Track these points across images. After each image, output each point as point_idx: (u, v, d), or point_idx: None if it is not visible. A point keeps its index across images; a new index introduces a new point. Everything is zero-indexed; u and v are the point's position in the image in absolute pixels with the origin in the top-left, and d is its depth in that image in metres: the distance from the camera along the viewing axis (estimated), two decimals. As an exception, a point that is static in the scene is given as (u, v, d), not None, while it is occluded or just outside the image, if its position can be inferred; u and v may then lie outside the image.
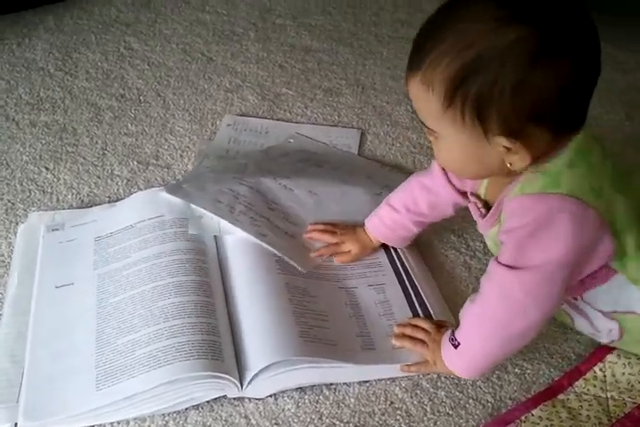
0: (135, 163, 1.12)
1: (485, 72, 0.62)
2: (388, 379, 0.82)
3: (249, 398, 0.79)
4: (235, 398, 0.79)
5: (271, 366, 0.77)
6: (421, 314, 0.87)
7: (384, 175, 1.12)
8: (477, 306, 0.74)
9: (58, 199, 1.04)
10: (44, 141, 1.16)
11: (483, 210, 0.81)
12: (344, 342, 0.82)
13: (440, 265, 0.96)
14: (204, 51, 1.42)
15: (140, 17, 1.52)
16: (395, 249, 0.95)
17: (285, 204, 1.01)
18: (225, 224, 0.95)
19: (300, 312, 0.84)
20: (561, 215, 0.67)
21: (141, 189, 1.06)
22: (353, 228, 0.95)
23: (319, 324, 0.83)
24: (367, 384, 0.82)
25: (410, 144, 1.19)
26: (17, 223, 1.00)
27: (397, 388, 0.81)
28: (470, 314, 0.75)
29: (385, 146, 1.19)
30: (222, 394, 0.78)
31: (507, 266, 0.70)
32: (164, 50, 1.42)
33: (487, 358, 0.76)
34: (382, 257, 0.94)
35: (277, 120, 1.24)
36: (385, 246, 0.96)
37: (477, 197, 0.82)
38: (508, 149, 0.67)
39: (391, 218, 0.92)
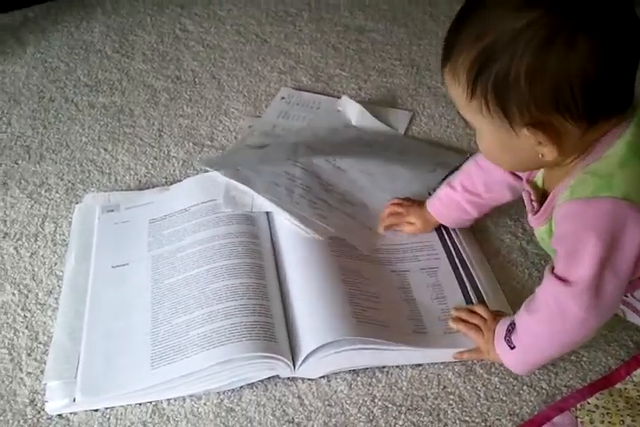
0: (191, 144, 1.13)
1: (500, 59, 0.60)
2: (442, 363, 0.81)
3: (302, 379, 0.80)
4: (288, 379, 0.79)
5: (324, 346, 0.78)
6: (474, 299, 0.86)
7: (436, 153, 1.11)
8: (534, 317, 0.72)
9: (116, 180, 1.06)
10: (102, 123, 1.18)
11: (535, 204, 0.77)
12: (396, 324, 0.82)
13: (496, 250, 0.95)
14: (258, 32, 1.42)
15: (195, -2, 1.53)
16: (449, 234, 0.94)
17: (341, 185, 1.01)
18: (258, 199, 0.95)
19: (353, 293, 0.84)
20: (614, 221, 0.64)
21: (197, 171, 1.07)
22: (420, 203, 0.95)
23: (372, 305, 0.83)
24: (420, 368, 0.81)
25: (465, 126, 1.17)
26: (77, 203, 1.02)
27: (450, 373, 0.81)
28: (528, 323, 0.74)
29: (440, 128, 1.17)
30: (275, 374, 0.79)
31: (560, 279, 0.68)
32: (219, 31, 1.42)
33: (542, 361, 0.77)
34: (435, 241, 0.94)
35: (331, 97, 1.24)
36: (440, 231, 0.95)
37: (533, 185, 0.78)
38: (538, 142, 0.64)
39: (448, 196, 0.91)
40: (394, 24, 1.44)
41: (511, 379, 0.80)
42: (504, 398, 0.78)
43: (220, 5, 1.50)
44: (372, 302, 0.84)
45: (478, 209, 0.91)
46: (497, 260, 0.93)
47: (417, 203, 0.95)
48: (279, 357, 0.77)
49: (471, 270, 0.89)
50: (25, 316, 0.87)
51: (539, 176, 0.78)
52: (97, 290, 0.88)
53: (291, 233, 0.92)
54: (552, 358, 0.77)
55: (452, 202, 0.91)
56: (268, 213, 0.96)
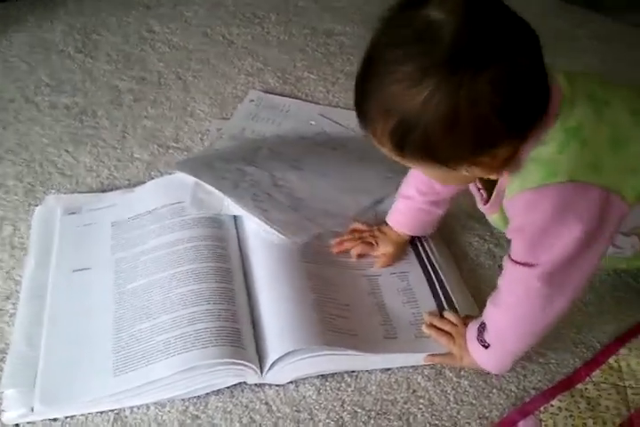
0: (155, 146, 1.11)
1: (416, 129, 0.61)
2: (411, 367, 0.80)
3: (269, 385, 0.78)
4: (255, 385, 0.78)
5: (291, 353, 0.76)
6: (445, 302, 0.85)
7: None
8: (503, 308, 0.74)
9: (77, 182, 1.03)
10: (63, 124, 1.15)
11: (484, 192, 0.78)
12: (366, 331, 0.81)
13: (464, 253, 0.95)
14: (225, 33, 1.40)
15: (161, -1, 1.51)
16: (419, 238, 0.93)
17: (293, 182, 1.00)
18: (228, 203, 0.93)
19: (322, 301, 0.83)
20: (565, 205, 0.66)
21: (161, 173, 1.05)
22: (379, 229, 0.93)
23: (341, 313, 0.82)
24: (389, 372, 0.80)
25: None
26: (36, 205, 0.99)
27: (420, 376, 0.80)
28: (497, 316, 0.75)
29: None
30: (242, 380, 0.77)
31: (523, 264, 0.70)
32: (185, 32, 1.40)
33: (519, 352, 0.77)
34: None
35: (302, 100, 1.23)
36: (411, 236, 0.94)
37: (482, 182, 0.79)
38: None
39: (408, 207, 0.90)
40: (362, 28, 1.43)
41: (480, 382, 0.79)
42: (474, 402, 0.78)
43: (187, 6, 1.48)
44: (341, 310, 0.83)
45: (441, 206, 0.90)
46: (466, 263, 0.93)
47: (376, 230, 0.93)
48: (246, 363, 0.75)
49: (441, 275, 0.89)
50: (-20, 322, 0.84)
51: None
52: (57, 295, 0.85)
53: (259, 238, 0.90)
54: (528, 347, 0.76)
55: (415, 210, 0.90)
56: (235, 216, 0.94)
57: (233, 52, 1.35)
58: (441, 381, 0.80)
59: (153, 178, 1.04)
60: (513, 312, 0.73)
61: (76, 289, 0.85)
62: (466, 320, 0.81)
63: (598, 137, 0.68)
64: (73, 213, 0.96)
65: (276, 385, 0.78)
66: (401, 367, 0.81)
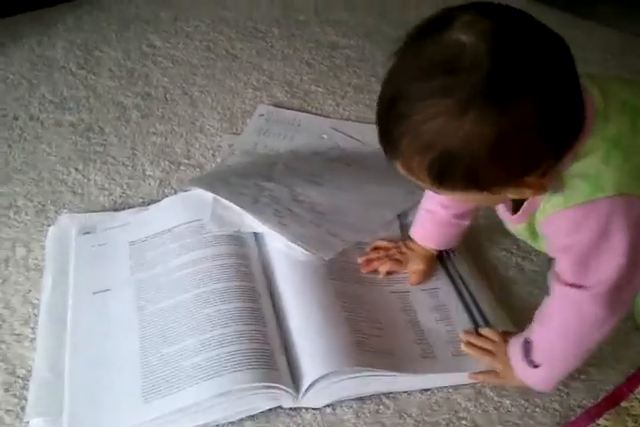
0: (167, 163, 1.08)
1: (459, 160, 0.58)
2: (451, 387, 0.78)
3: (305, 408, 0.75)
4: (291, 409, 0.75)
5: (327, 375, 0.73)
6: (479, 319, 0.83)
7: None
8: (553, 329, 0.71)
9: (90, 200, 1.00)
10: (70, 141, 1.12)
11: (509, 204, 0.74)
12: (402, 351, 0.78)
13: (493, 267, 0.92)
14: (229, 48, 1.38)
15: (160, 14, 1.48)
16: (447, 253, 0.91)
17: (312, 195, 0.98)
18: (247, 219, 0.91)
19: (355, 320, 0.80)
20: (615, 221, 0.64)
21: (174, 190, 1.02)
22: (405, 244, 0.90)
23: (375, 332, 0.79)
24: (429, 393, 0.77)
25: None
26: (49, 225, 0.95)
27: (460, 396, 0.77)
28: (547, 336, 0.73)
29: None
30: (277, 404, 0.74)
31: (573, 285, 0.68)
32: (188, 47, 1.37)
33: (568, 371, 0.75)
34: (433, 259, 0.91)
35: (312, 114, 1.21)
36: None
37: None
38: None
39: (432, 221, 0.87)
40: (366, 41, 1.42)
41: (522, 401, 0.77)
42: (518, 422, 0.75)
43: (187, 22, 1.46)
44: (375, 329, 0.80)
45: (466, 218, 0.87)
46: (495, 278, 0.91)
47: (404, 245, 0.90)
48: (281, 386, 0.72)
49: (472, 290, 0.86)
50: (0, 348, 0.80)
51: None
52: (78, 319, 0.81)
53: (282, 255, 0.88)
54: (577, 366, 0.74)
55: (439, 224, 0.87)
56: (256, 233, 0.91)
57: (238, 66, 1.32)
58: (482, 401, 0.77)
59: (166, 195, 1.00)
60: (565, 334, 0.71)
61: (98, 312, 0.82)
62: (504, 337, 0.79)
63: (637, 146, 0.66)
64: (88, 232, 0.92)
65: (313, 409, 0.75)
66: (440, 388, 0.78)
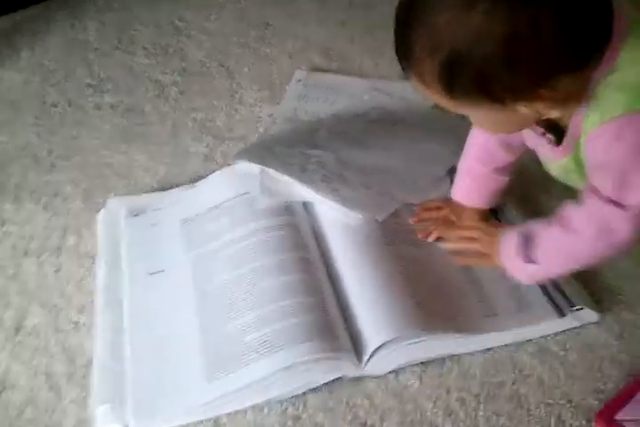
0: (210, 138, 1.07)
1: (470, 60, 0.56)
2: (513, 345, 0.76)
3: (368, 377, 0.74)
4: (353, 379, 0.74)
5: (389, 341, 0.73)
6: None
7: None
8: (570, 234, 0.68)
9: (136, 182, 1.00)
10: (111, 124, 1.12)
11: (550, 136, 0.70)
12: (463, 312, 0.77)
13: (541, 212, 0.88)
14: (261, 15, 1.35)
15: (188, -14, 1.46)
16: (501, 209, 0.89)
17: (359, 158, 0.96)
18: (297, 188, 0.90)
19: (414, 283, 0.79)
20: None
21: (220, 165, 1.01)
22: (457, 204, 0.88)
23: (435, 295, 0.78)
24: (491, 352, 0.76)
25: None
26: (97, 210, 0.96)
27: (524, 354, 0.76)
28: (557, 238, 0.70)
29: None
30: (340, 375, 0.73)
31: (613, 202, 0.64)
32: (220, 18, 1.35)
33: (559, 274, 0.77)
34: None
35: (351, 76, 1.18)
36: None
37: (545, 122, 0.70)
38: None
39: (472, 178, 0.85)
40: (401, -5, 1.37)
41: (588, 353, 0.75)
42: (585, 376, 0.73)
43: (217, -9, 1.44)
44: (435, 292, 0.79)
45: (505, 172, 0.85)
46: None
47: (455, 203, 0.88)
48: (344, 355, 0.72)
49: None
50: (58, 338, 0.81)
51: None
52: (135, 301, 0.82)
53: (334, 223, 0.86)
54: (574, 271, 0.76)
55: (480, 181, 0.85)
56: (305, 203, 0.90)
57: (271, 33, 1.30)
58: (547, 357, 0.75)
59: (213, 171, 0.99)
60: (581, 242, 0.68)
61: (154, 293, 0.82)
62: (489, 224, 0.83)
63: None
64: (137, 214, 0.92)
65: (375, 377, 0.74)
66: (503, 346, 0.76)
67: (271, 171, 0.91)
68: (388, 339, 0.72)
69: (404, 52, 0.61)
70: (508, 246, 0.75)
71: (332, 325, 0.74)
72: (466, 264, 0.82)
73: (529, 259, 0.73)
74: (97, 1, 1.43)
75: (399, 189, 0.91)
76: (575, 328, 0.77)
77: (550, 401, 0.72)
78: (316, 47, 1.25)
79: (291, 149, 0.98)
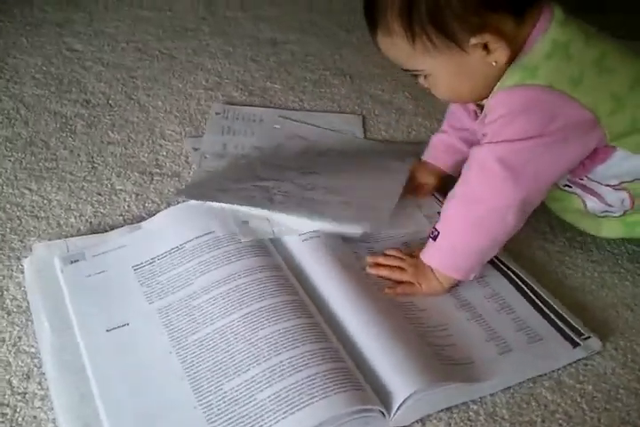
0: (136, 174, 0.94)
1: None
2: (530, 381, 0.72)
3: (394, 429, 0.66)
4: (380, 432, 0.65)
5: (415, 392, 0.65)
6: (538, 301, 0.78)
7: (399, 148, 1.05)
8: (457, 191, 0.76)
9: (59, 224, 0.84)
10: (12, 159, 0.94)
11: (479, 111, 0.80)
12: (479, 354, 0.72)
13: (519, 253, 0.88)
14: (161, 48, 1.25)
15: (72, 16, 1.32)
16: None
17: (320, 182, 0.90)
18: (278, 220, 0.82)
19: (423, 331, 0.73)
20: (536, 103, 0.69)
21: (156, 203, 0.89)
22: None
23: (445, 341, 0.72)
24: (511, 391, 0.71)
25: (425, 130, 1.10)
26: (18, 258, 0.79)
27: (543, 389, 0.72)
28: (450, 202, 0.76)
29: (401, 133, 1.09)
30: (367, 428, 0.64)
31: (487, 144, 0.72)
32: (115, 49, 1.23)
33: (468, 247, 0.76)
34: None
35: (268, 108, 1.12)
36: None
37: (479, 106, 0.80)
38: (485, 49, 0.68)
39: (442, 141, 0.92)
40: (305, 35, 1.34)
41: (603, 384, 0.73)
42: (607, 407, 0.71)
43: (105, 22, 1.31)
44: (444, 338, 0.73)
45: (470, 144, 0.89)
46: (524, 263, 0.86)
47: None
48: (374, 407, 0.63)
49: (518, 272, 0.81)
50: (4, 413, 0.64)
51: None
52: (99, 363, 0.66)
53: (317, 263, 0.78)
54: (478, 249, 0.76)
55: (448, 146, 0.92)
56: (272, 241, 0.81)
57: (179, 66, 1.20)
58: (565, 390, 0.72)
59: (150, 210, 0.87)
60: (465, 190, 0.75)
61: (120, 352, 0.68)
62: (411, 251, 0.81)
63: (585, 56, 0.70)
64: (76, 260, 0.77)
65: (402, 427, 0.66)
66: (520, 384, 0.72)
67: (241, 207, 0.81)
68: (415, 390, 0.64)
69: (372, 8, 0.70)
70: (423, 252, 0.78)
71: (352, 374, 0.65)
72: (397, 294, 0.78)
73: (434, 234, 0.76)
74: (-38, 26, 1.24)
75: (378, 198, 0.87)
76: (582, 359, 0.75)
77: (585, 437, 0.68)
78: (232, 82, 1.17)
79: (240, 183, 0.88)
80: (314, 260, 0.78)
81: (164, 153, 0.99)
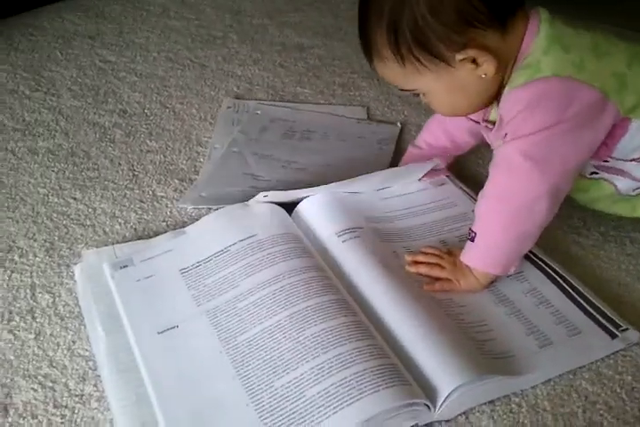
0: (176, 181, 0.97)
1: (403, 16, 0.69)
2: (569, 373, 0.73)
3: (438, 422, 0.68)
4: (425, 425, 0.67)
5: (460, 385, 0.67)
6: (577, 296, 0.79)
7: (373, 131, 1.11)
8: (487, 190, 0.77)
9: (104, 231, 0.87)
10: (55, 169, 0.98)
11: (490, 125, 0.82)
12: (519, 347, 0.73)
13: (555, 248, 0.90)
14: (192, 57, 1.28)
15: (102, 28, 1.35)
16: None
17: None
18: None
19: (464, 327, 0.74)
20: (548, 93, 0.71)
21: (196, 208, 0.91)
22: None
23: (486, 336, 0.74)
24: (551, 383, 0.72)
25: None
26: (67, 265, 0.82)
27: (583, 381, 0.73)
28: (482, 201, 0.78)
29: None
30: (415, 422, 0.66)
31: (510, 141, 0.74)
32: (147, 59, 1.26)
33: (505, 242, 0.77)
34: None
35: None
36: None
37: (489, 122, 0.84)
38: (474, 63, 0.72)
39: (415, 155, 0.97)
40: (330, 39, 1.36)
41: (638, 373, 0.74)
42: (648, 398, 0.72)
43: (135, 33, 1.34)
44: (485, 333, 0.74)
45: (446, 162, 0.97)
46: (560, 258, 0.88)
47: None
48: (421, 401, 0.65)
49: (555, 267, 0.83)
50: (63, 415, 0.66)
51: (493, 113, 0.82)
52: (152, 365, 0.69)
53: (358, 262, 0.80)
54: (514, 244, 0.77)
55: (422, 160, 0.95)
56: (312, 241, 0.83)
57: (210, 74, 1.23)
58: (605, 381, 0.73)
59: (190, 215, 0.90)
60: (495, 189, 0.76)
61: (173, 353, 0.70)
62: (449, 249, 0.83)
63: (580, 44, 0.73)
64: (125, 266, 0.80)
65: (446, 421, 0.68)
66: (560, 376, 0.73)
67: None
68: (460, 383, 0.66)
69: (364, 37, 0.74)
70: (462, 253, 0.80)
71: (398, 369, 0.67)
72: (435, 290, 0.79)
73: (472, 235, 0.78)
74: (-1, 41, 1.28)
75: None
76: (620, 350, 0.76)
77: (627, 426, 0.70)
78: (263, 88, 1.20)
79: (238, 186, 0.95)
80: (355, 260, 0.80)
81: (202, 159, 1.01)
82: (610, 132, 0.76)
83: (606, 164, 0.80)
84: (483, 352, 0.72)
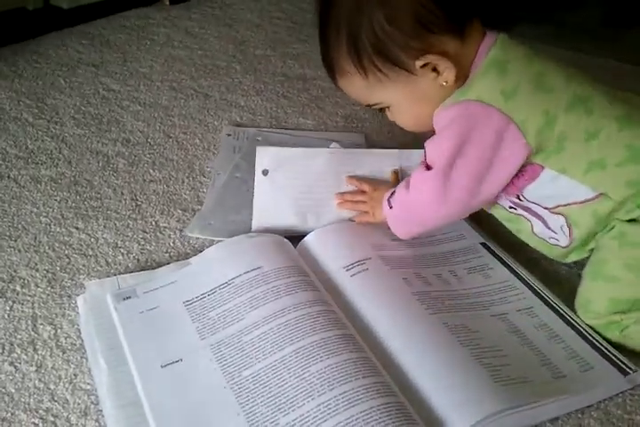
0: (179, 211, 0.96)
1: (361, 27, 0.70)
2: (577, 412, 0.72)
3: (450, 461, 0.67)
4: (436, 464, 0.66)
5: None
6: (585, 331, 0.79)
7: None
8: (405, 192, 0.81)
9: (107, 262, 0.86)
10: (58, 198, 0.97)
11: None
12: (535, 375, 0.72)
13: (547, 275, 0.89)
14: (195, 86, 1.28)
15: (106, 57, 1.36)
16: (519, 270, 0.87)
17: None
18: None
19: (478, 353, 0.73)
20: (458, 119, 0.72)
21: (200, 239, 0.91)
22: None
23: (501, 361, 0.73)
24: (559, 422, 0.71)
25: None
26: (69, 296, 0.81)
27: (592, 420, 0.72)
28: (399, 194, 0.82)
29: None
30: (421, 462, 0.65)
31: (426, 167, 0.78)
32: (151, 88, 1.26)
33: (416, 224, 0.84)
34: (512, 279, 0.85)
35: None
36: (509, 267, 0.87)
37: None
38: (435, 71, 0.73)
39: None
40: (333, 71, 1.37)
41: (648, 415, 0.73)
42: (657, 439, 0.71)
43: (139, 62, 1.35)
44: (500, 358, 0.73)
45: None
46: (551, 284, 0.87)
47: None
48: (430, 440, 0.64)
49: (563, 307, 0.82)
50: (65, 451, 0.65)
51: None
52: (155, 399, 0.68)
53: (366, 298, 0.79)
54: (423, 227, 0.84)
55: None
56: (318, 275, 0.83)
57: (213, 104, 1.23)
58: (614, 421, 0.72)
59: (194, 246, 0.89)
60: (408, 201, 0.81)
61: (177, 388, 0.69)
62: (376, 186, 0.91)
63: (522, 73, 0.72)
64: (128, 297, 0.79)
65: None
66: (568, 415, 0.72)
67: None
68: (478, 419, 0.65)
69: (326, 57, 0.76)
70: (383, 199, 0.85)
71: (405, 407, 0.66)
72: (357, 222, 0.91)
73: (390, 205, 0.83)
74: (1, 68, 1.28)
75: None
76: (628, 390, 0.75)
77: (638, 469, 0.69)
78: (266, 118, 1.20)
79: (241, 214, 0.94)
80: (363, 295, 0.80)
81: (204, 190, 1.01)
82: (519, 172, 0.75)
83: (521, 202, 0.80)
84: (498, 379, 0.70)
